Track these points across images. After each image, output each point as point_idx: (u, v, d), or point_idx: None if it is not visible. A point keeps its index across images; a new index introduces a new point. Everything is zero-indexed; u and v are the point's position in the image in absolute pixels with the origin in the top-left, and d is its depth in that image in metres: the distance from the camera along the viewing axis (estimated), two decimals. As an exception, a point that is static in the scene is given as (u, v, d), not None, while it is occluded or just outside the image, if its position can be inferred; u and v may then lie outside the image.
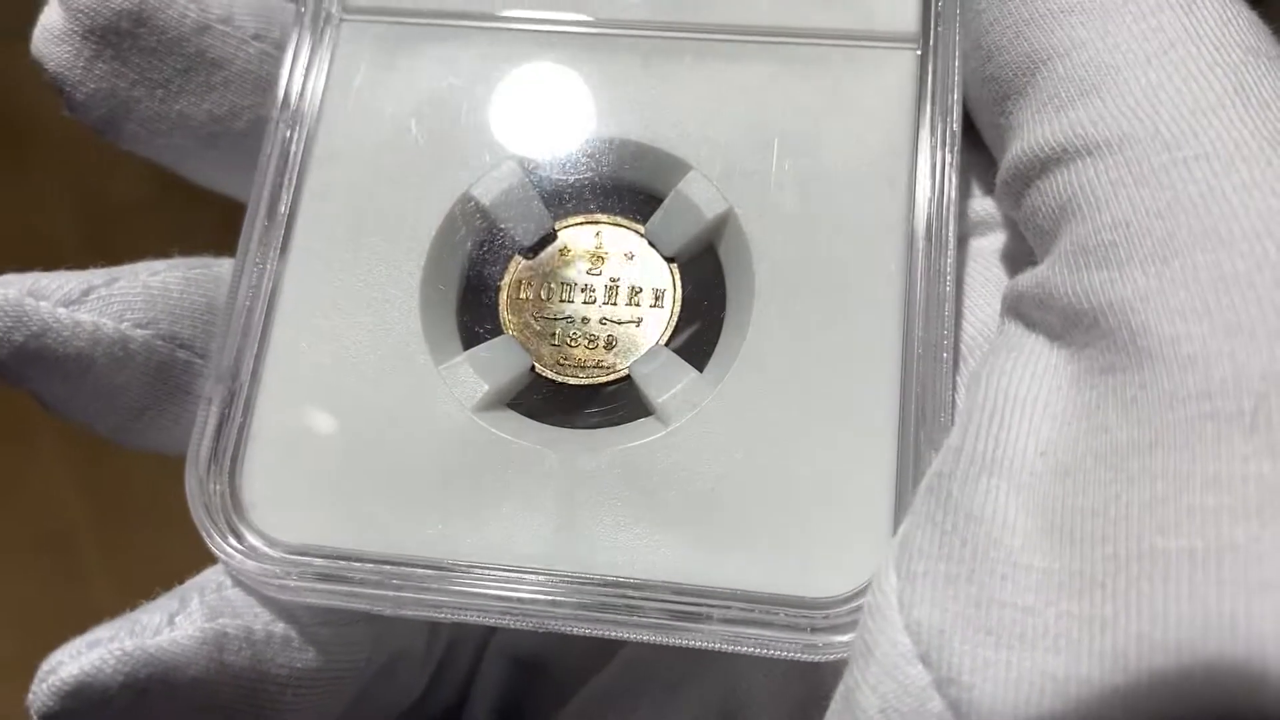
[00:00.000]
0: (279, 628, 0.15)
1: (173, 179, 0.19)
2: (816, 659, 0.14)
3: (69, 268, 0.16)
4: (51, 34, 0.17)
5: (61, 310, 0.16)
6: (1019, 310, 0.15)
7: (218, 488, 0.15)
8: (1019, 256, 0.17)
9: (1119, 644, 0.11)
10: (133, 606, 0.15)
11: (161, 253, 0.18)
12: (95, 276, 0.16)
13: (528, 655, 0.19)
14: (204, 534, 0.15)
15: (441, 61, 0.17)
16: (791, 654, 0.14)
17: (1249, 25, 0.14)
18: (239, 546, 0.15)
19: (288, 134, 0.17)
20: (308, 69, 0.17)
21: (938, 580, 0.13)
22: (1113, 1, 0.15)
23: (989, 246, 0.17)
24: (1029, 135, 0.15)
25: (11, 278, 0.16)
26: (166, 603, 0.15)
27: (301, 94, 0.17)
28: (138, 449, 0.17)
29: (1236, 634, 0.11)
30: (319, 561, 0.15)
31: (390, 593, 0.15)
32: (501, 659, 0.19)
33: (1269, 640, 0.11)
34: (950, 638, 0.12)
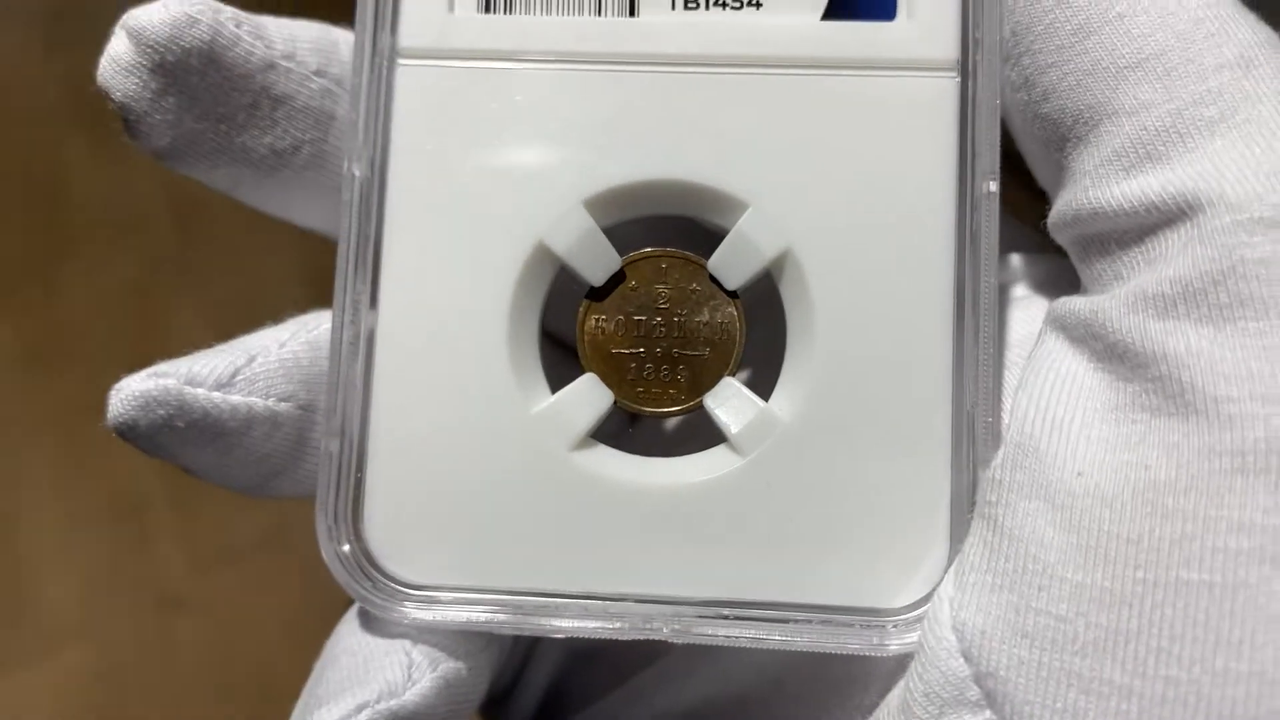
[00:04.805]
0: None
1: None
2: (884, 655, 0.17)
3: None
4: (119, 65, 0.17)
5: (217, 394, 0.17)
6: (1064, 325, 0.16)
7: (345, 538, 0.17)
8: (1051, 270, 0.19)
9: (1140, 655, 0.14)
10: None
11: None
12: (235, 356, 0.17)
13: (581, 646, 0.21)
14: (339, 580, 0.17)
15: (499, 103, 0.18)
16: (863, 652, 0.17)
17: None
18: (372, 589, 0.17)
19: (364, 187, 0.18)
20: (372, 115, 0.18)
21: (983, 589, 0.15)
22: (1175, 58, 0.15)
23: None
24: (1095, 189, 0.16)
25: (166, 367, 0.17)
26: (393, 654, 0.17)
27: (370, 141, 0.18)
28: (268, 498, 0.19)
29: (1243, 657, 0.13)
30: (445, 596, 0.17)
31: (512, 618, 0.17)
32: (555, 650, 0.21)
33: (1267, 663, 0.13)
34: (990, 638, 0.15)
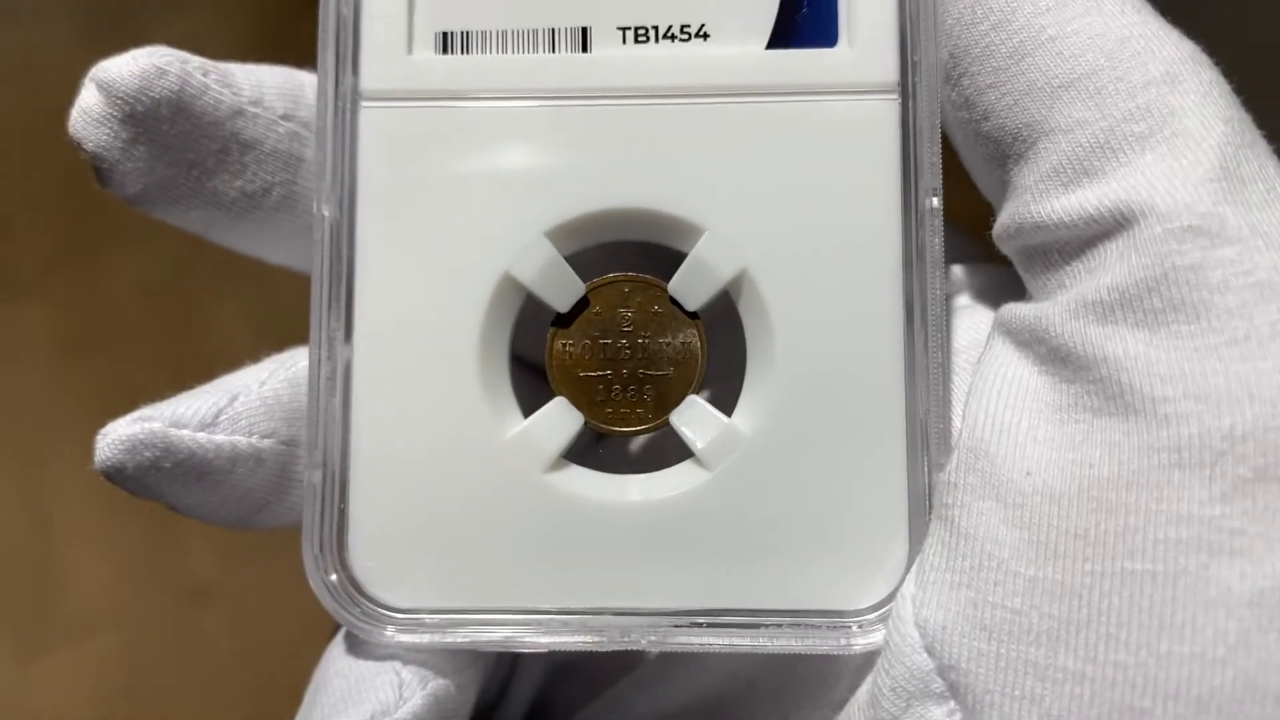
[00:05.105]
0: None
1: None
2: (850, 653, 0.18)
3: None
4: (90, 117, 0.18)
5: (202, 435, 0.17)
6: (1010, 330, 0.17)
7: (332, 567, 0.18)
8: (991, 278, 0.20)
9: (1090, 642, 0.15)
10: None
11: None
12: (218, 396, 0.18)
13: (562, 658, 0.22)
14: (328, 608, 0.18)
15: (460, 141, 0.18)
16: (832, 652, 0.17)
17: (1223, 97, 0.16)
18: (360, 615, 0.18)
19: (334, 226, 0.18)
20: (338, 157, 0.18)
21: (943, 587, 0.16)
22: (1105, 77, 0.16)
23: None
24: (1036, 204, 0.17)
25: (151, 410, 0.17)
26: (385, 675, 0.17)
27: (338, 182, 0.18)
28: (255, 530, 0.19)
29: (1184, 639, 0.14)
30: (430, 619, 0.18)
31: (495, 635, 0.18)
32: (538, 663, 0.22)
33: (1207, 644, 0.14)
34: (951, 632, 0.16)
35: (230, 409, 0.18)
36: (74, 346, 0.80)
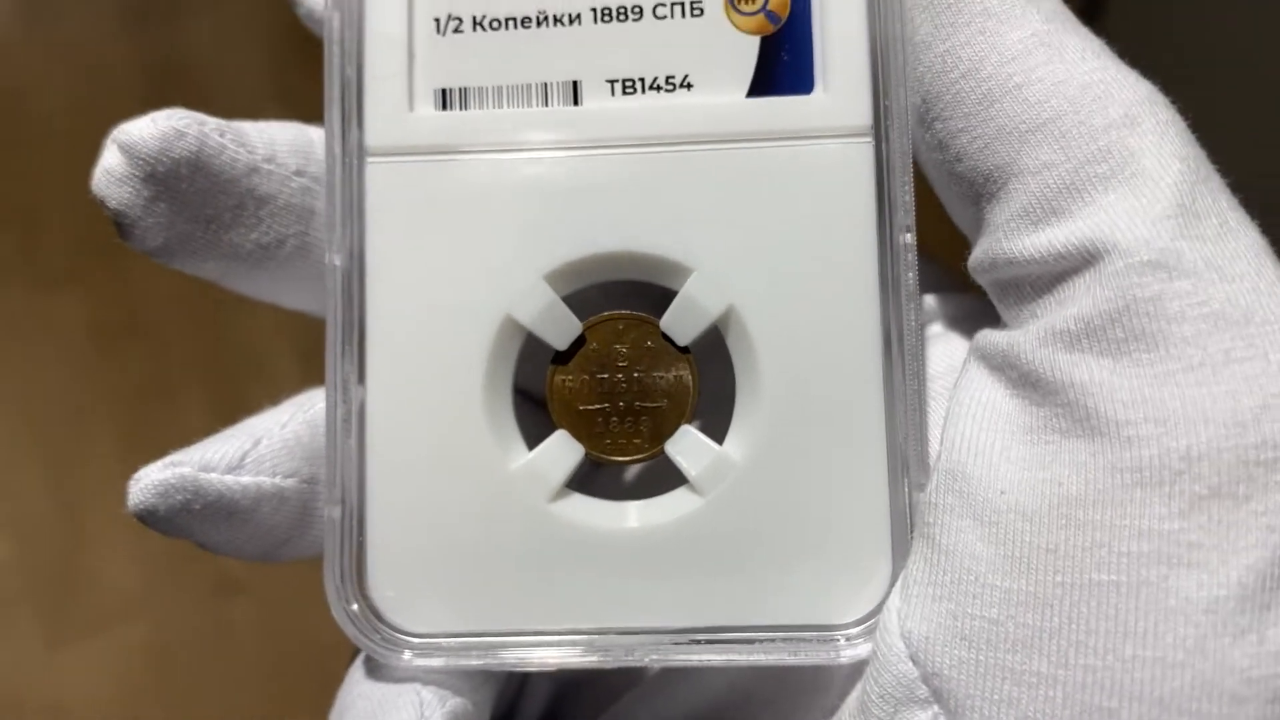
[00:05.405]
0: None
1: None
2: (839, 664, 0.19)
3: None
4: (113, 176, 0.19)
5: (229, 477, 0.19)
6: (985, 356, 0.18)
7: (353, 596, 0.19)
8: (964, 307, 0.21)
9: (1062, 648, 0.16)
10: None
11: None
12: (243, 440, 0.19)
13: (569, 676, 0.23)
14: (349, 635, 0.19)
15: (461, 191, 0.20)
16: (822, 663, 0.19)
17: (1179, 136, 0.17)
18: (381, 641, 0.19)
19: (345, 275, 0.19)
20: (347, 209, 0.20)
21: (926, 600, 0.17)
22: (1068, 122, 0.17)
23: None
24: (1008, 241, 0.18)
25: (181, 456, 0.19)
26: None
27: (347, 233, 0.19)
28: (279, 563, 0.21)
29: (1147, 644, 0.15)
30: (446, 642, 0.19)
31: (507, 657, 0.19)
32: (546, 681, 0.23)
33: (1168, 648, 0.15)
34: (933, 642, 0.17)
35: (255, 452, 0.19)
36: (106, 338, 0.81)
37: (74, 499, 0.77)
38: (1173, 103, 0.18)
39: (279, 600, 0.75)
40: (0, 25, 0.86)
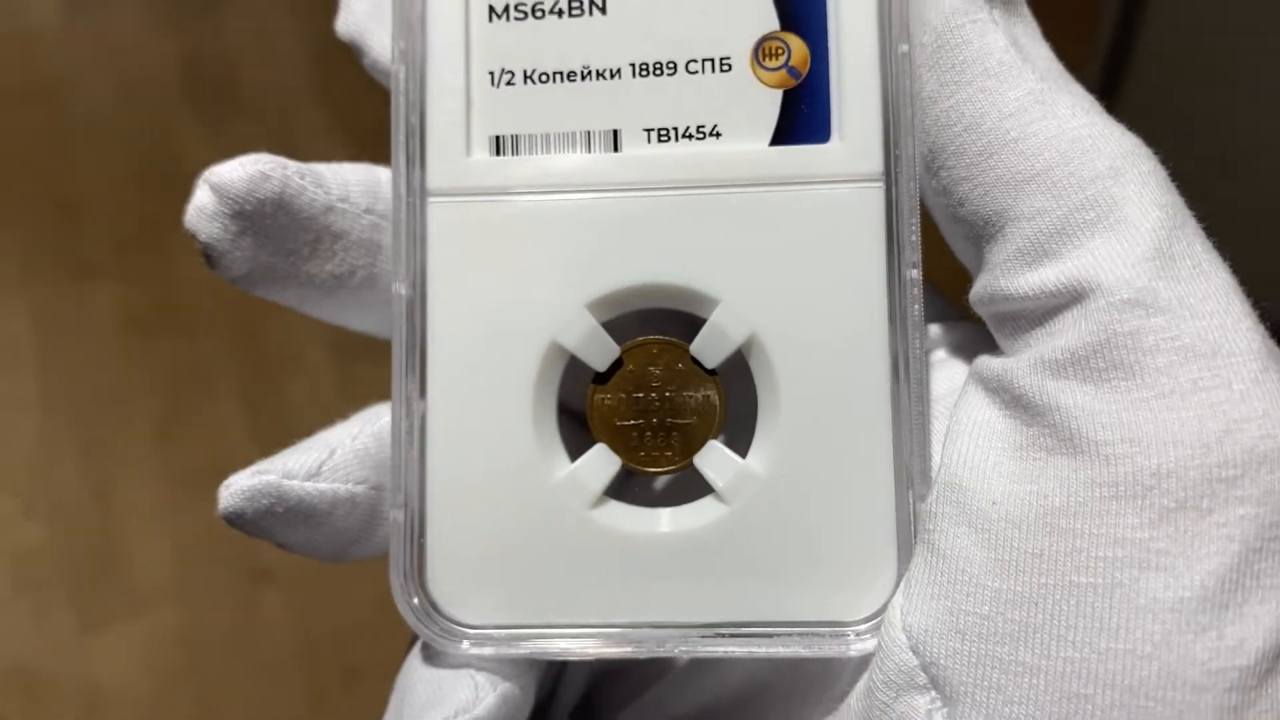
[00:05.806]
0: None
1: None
2: (849, 656, 0.21)
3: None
4: (204, 213, 0.21)
5: (309, 484, 0.21)
6: (982, 379, 0.20)
7: (414, 591, 0.21)
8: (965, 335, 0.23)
9: (1045, 641, 0.18)
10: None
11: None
12: (320, 451, 0.21)
13: (604, 665, 0.25)
14: (411, 625, 0.21)
15: (512, 228, 0.22)
16: (833, 655, 0.21)
17: (1159, 185, 0.19)
18: (439, 631, 0.21)
19: (409, 303, 0.22)
20: (410, 244, 0.22)
21: (926, 598, 0.19)
22: (1059, 173, 0.19)
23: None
24: (1005, 279, 0.20)
25: (265, 465, 0.21)
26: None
27: (411, 265, 0.22)
28: (349, 562, 0.23)
29: (1119, 638, 0.17)
30: (497, 633, 0.21)
31: (550, 647, 0.21)
32: (583, 669, 0.25)
33: (1138, 642, 0.17)
34: (932, 635, 0.19)
35: (330, 461, 0.21)
36: (143, 328, 0.82)
37: (108, 486, 0.79)
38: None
39: (308, 588, 0.77)
40: (40, 18, 0.88)
